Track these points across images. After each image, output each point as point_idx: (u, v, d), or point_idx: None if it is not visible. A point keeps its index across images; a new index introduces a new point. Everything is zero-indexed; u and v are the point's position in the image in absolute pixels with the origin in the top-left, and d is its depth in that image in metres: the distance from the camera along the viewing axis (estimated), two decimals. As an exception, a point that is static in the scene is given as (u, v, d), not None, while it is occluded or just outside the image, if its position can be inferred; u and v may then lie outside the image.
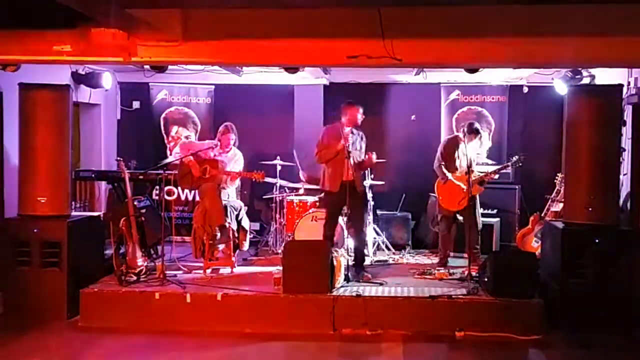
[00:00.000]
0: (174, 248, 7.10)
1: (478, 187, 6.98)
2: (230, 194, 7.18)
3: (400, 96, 9.13)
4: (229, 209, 6.86)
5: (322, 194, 7.12)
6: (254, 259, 7.61)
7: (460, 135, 7.11)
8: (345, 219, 6.87)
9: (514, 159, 7.02)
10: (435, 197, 7.32)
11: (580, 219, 5.95)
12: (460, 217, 7.17)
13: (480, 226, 7.18)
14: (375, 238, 7.88)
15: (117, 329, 5.74)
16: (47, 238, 6.03)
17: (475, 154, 7.24)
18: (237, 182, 7.25)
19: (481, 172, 7.08)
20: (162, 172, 6.99)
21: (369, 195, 7.76)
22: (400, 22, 4.92)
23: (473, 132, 6.98)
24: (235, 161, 7.14)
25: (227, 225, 6.76)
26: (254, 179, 6.99)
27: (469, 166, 6.72)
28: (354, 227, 6.72)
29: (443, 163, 7.08)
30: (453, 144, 7.13)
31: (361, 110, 6.69)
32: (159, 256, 6.63)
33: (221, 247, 6.90)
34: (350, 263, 6.57)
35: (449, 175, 7.02)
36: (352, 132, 6.68)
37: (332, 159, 6.59)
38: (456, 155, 7.05)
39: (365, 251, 7.08)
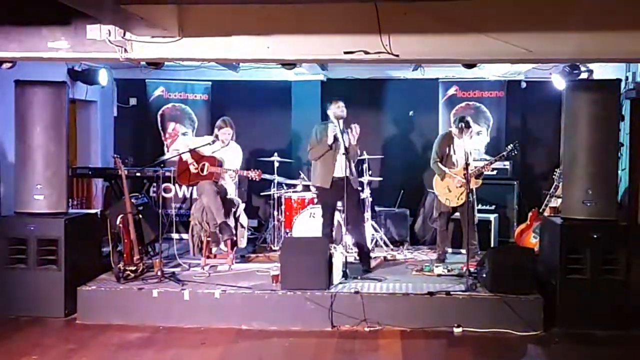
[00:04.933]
0: (172, 245, 7.08)
1: (476, 181, 6.97)
2: (229, 191, 7.16)
3: (398, 92, 9.12)
4: (227, 205, 6.84)
5: (317, 191, 7.06)
6: (252, 256, 7.59)
7: (454, 130, 7.08)
8: (343, 215, 6.84)
9: (509, 147, 6.92)
10: (434, 193, 7.29)
11: (578, 214, 5.94)
12: (457, 213, 7.17)
13: (475, 221, 7.17)
14: (373, 234, 7.87)
15: (114, 327, 5.73)
16: (44, 236, 6.01)
17: (472, 148, 7.17)
18: (236, 177, 7.21)
19: (478, 166, 7.05)
20: (159, 169, 6.97)
21: (367, 191, 7.77)
22: (398, 17, 4.90)
23: (465, 126, 6.95)
24: (234, 156, 7.09)
25: (225, 222, 6.73)
26: (250, 178, 6.95)
27: (466, 160, 6.69)
28: (351, 224, 6.70)
29: (438, 160, 7.07)
30: (446, 140, 7.11)
31: (340, 104, 6.59)
32: (156, 253, 6.60)
33: (222, 245, 6.87)
34: (356, 258, 6.79)
35: (446, 170, 7.00)
36: (343, 127, 6.54)
37: (323, 155, 6.57)
38: (451, 151, 7.03)
39: (369, 245, 7.20)
